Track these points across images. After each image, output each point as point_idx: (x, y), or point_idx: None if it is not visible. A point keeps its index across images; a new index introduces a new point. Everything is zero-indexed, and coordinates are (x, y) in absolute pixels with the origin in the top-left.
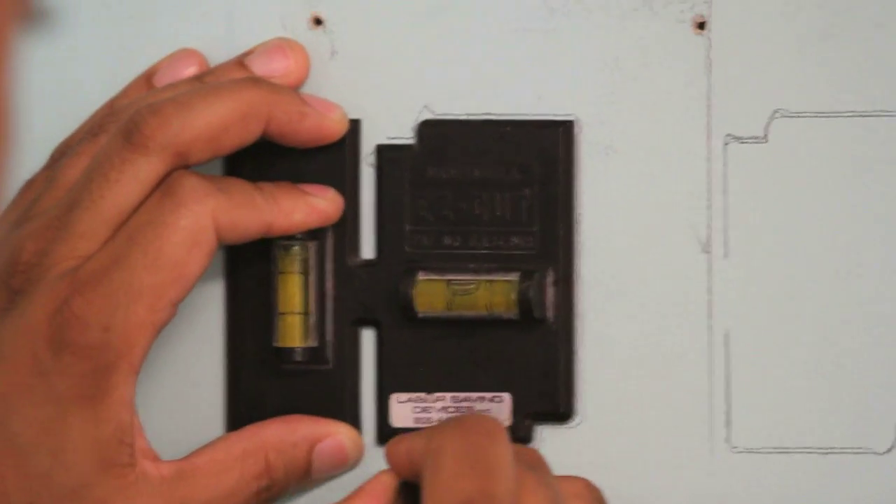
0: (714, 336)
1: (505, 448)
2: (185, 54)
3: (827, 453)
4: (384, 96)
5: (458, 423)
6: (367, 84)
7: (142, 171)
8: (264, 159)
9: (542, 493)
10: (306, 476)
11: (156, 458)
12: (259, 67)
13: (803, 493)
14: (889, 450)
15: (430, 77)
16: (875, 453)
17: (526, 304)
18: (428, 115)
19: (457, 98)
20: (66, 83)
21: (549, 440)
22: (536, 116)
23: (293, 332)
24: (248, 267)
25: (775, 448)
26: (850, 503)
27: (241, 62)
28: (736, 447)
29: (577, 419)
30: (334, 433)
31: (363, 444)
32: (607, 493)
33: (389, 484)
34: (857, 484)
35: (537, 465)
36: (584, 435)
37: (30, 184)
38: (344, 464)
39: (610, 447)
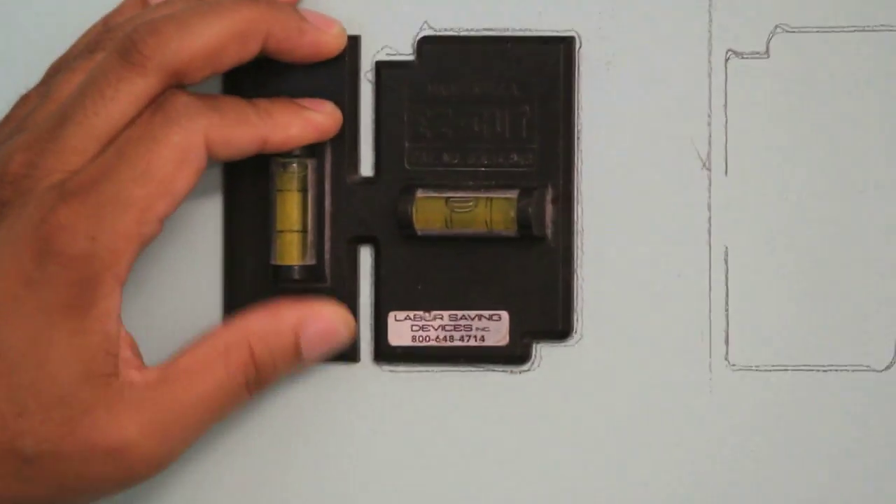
0: (714, 253)
1: None
2: None
3: (826, 371)
4: (384, 12)
5: None
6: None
7: (137, 89)
8: (263, 76)
9: None
10: (296, 361)
11: (140, 367)
12: None
13: (802, 410)
14: (888, 367)
15: None
16: (874, 370)
17: (525, 222)
18: (428, 31)
19: (457, 14)
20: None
21: (547, 358)
22: (537, 32)
23: (291, 250)
24: (247, 185)
25: (774, 366)
26: (849, 420)
27: None
28: (735, 365)
29: (575, 337)
30: (321, 314)
31: (353, 321)
32: (606, 410)
33: None
34: (856, 401)
35: None
36: (582, 352)
37: (24, 99)
38: (334, 343)
39: (608, 365)
